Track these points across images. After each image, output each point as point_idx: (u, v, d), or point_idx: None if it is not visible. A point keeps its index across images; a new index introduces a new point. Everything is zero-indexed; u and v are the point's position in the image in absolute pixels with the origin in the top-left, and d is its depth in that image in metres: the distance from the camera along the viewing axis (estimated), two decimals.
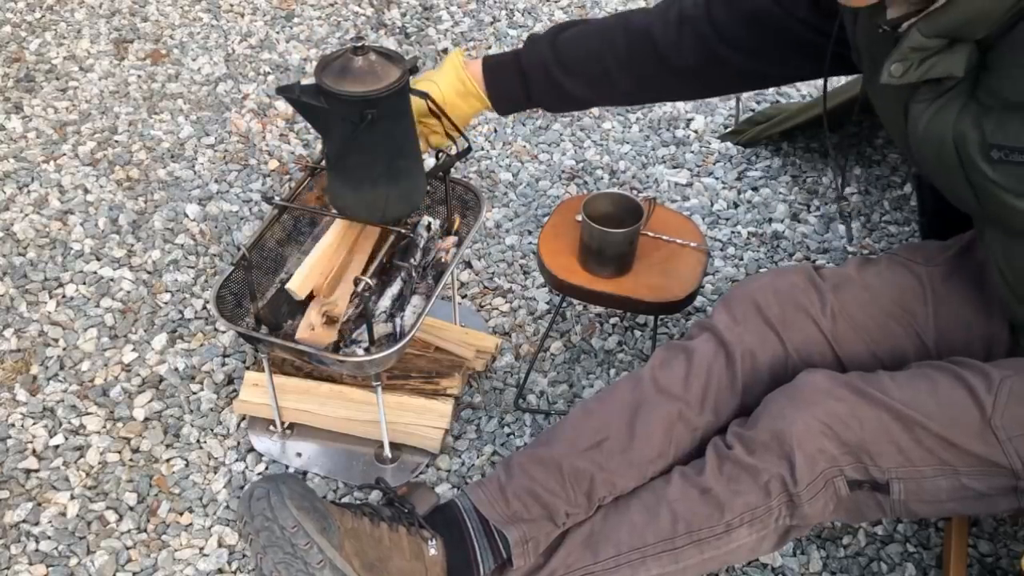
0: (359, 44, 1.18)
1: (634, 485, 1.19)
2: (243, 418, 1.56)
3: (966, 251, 1.24)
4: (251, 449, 1.52)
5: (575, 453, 1.18)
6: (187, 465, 1.50)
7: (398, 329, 1.34)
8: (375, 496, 1.43)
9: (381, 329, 1.35)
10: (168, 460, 1.51)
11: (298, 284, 1.32)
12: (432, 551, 1.17)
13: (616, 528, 1.15)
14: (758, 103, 2.29)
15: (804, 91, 2.34)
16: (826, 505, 1.08)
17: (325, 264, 1.35)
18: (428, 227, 1.45)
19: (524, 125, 2.21)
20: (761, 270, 1.85)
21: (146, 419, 1.57)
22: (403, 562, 1.14)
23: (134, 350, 1.68)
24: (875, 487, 1.07)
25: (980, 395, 1.04)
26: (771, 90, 2.33)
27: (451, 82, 1.36)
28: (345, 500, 1.44)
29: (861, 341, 1.21)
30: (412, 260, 1.40)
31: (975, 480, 1.04)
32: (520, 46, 1.39)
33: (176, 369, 1.65)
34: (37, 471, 1.49)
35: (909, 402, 1.05)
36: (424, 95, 1.35)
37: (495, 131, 2.20)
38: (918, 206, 1.45)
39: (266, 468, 1.50)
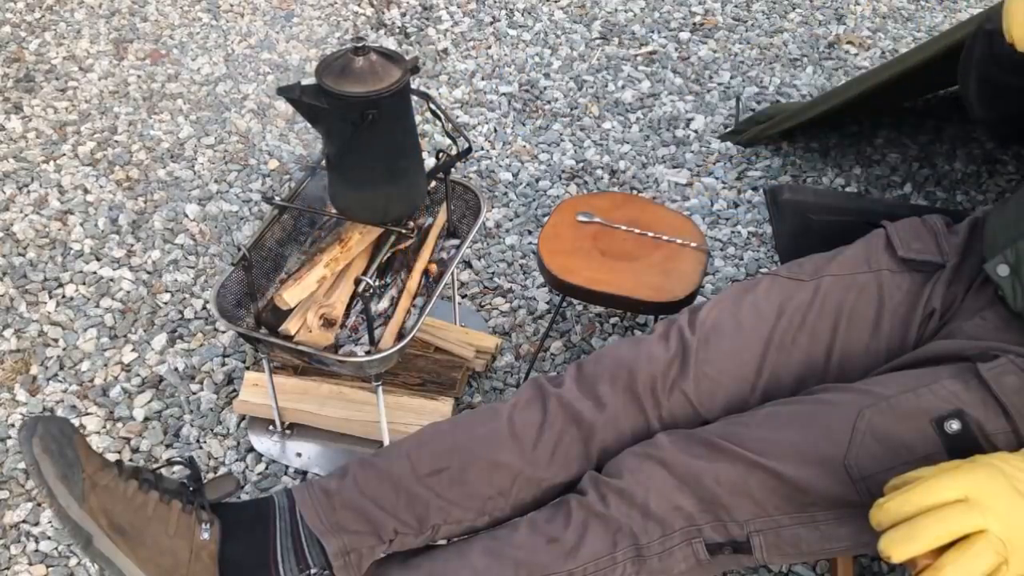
0: (360, 44, 1.18)
1: (473, 517, 1.14)
2: (243, 418, 1.56)
3: (855, 255, 1.20)
4: (251, 449, 1.52)
5: (413, 477, 1.13)
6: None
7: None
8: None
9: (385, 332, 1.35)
10: (168, 460, 1.51)
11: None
12: (205, 535, 1.11)
13: (456, 571, 1.09)
14: (758, 103, 2.29)
15: (804, 91, 2.34)
16: (678, 565, 1.03)
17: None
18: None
19: (524, 125, 2.21)
20: (762, 270, 1.85)
21: (146, 419, 1.57)
22: (163, 536, 1.08)
23: (134, 350, 1.68)
24: (736, 548, 1.02)
25: (838, 433, 0.99)
26: (771, 90, 2.34)
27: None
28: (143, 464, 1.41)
29: (732, 389, 1.14)
30: (403, 273, 1.40)
31: (832, 526, 1.00)
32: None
33: (176, 369, 1.65)
34: None
35: (765, 451, 1.01)
36: (424, 95, 1.35)
37: (495, 131, 2.20)
38: (774, 228, 1.40)
39: (266, 468, 1.50)
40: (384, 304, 1.39)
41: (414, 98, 1.29)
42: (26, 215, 1.95)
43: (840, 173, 2.08)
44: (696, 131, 2.20)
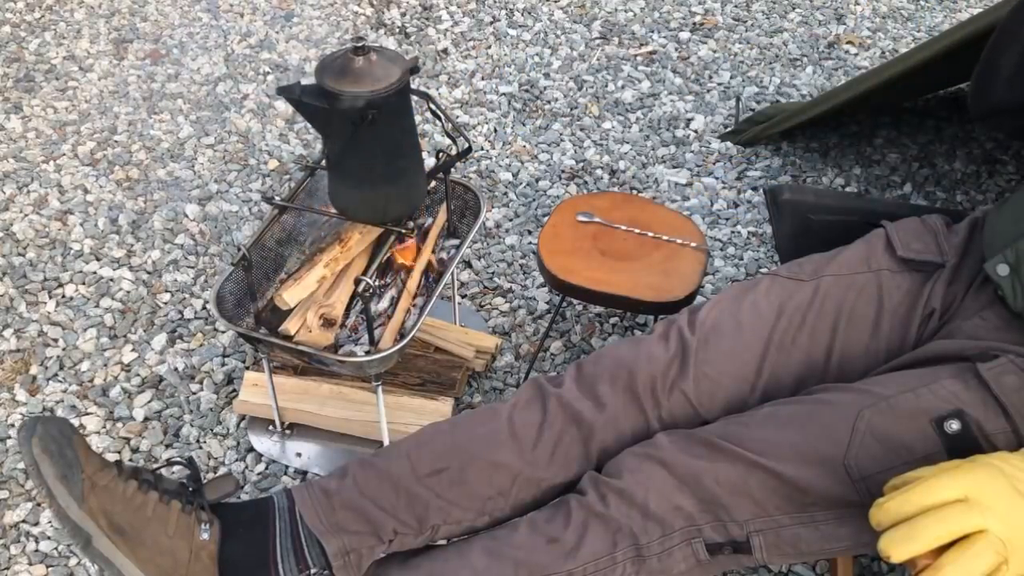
0: (360, 44, 1.18)
1: (473, 517, 1.14)
2: (243, 418, 1.56)
3: (854, 255, 1.20)
4: (251, 449, 1.52)
5: (413, 477, 1.13)
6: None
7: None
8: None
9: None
10: (168, 460, 1.51)
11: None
12: (204, 535, 1.11)
13: (456, 571, 1.08)
14: (758, 103, 2.29)
15: (804, 91, 2.34)
16: (678, 565, 1.03)
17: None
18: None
19: (524, 125, 2.21)
20: (762, 270, 1.85)
21: (146, 419, 1.57)
22: (163, 536, 1.08)
23: (134, 350, 1.68)
24: (736, 548, 1.02)
25: (837, 433, 0.99)
26: (771, 90, 2.34)
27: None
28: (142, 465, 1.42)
29: (732, 390, 1.14)
30: (402, 274, 1.40)
31: (832, 526, 1.00)
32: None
33: (176, 369, 1.65)
34: None
35: (764, 451, 1.01)
36: (424, 95, 1.35)
37: (495, 131, 2.20)
38: (774, 229, 1.40)
39: (266, 468, 1.50)
40: (384, 304, 1.39)
41: (414, 98, 1.29)
42: (26, 215, 1.95)
43: (840, 173, 2.08)
44: (696, 131, 2.20)
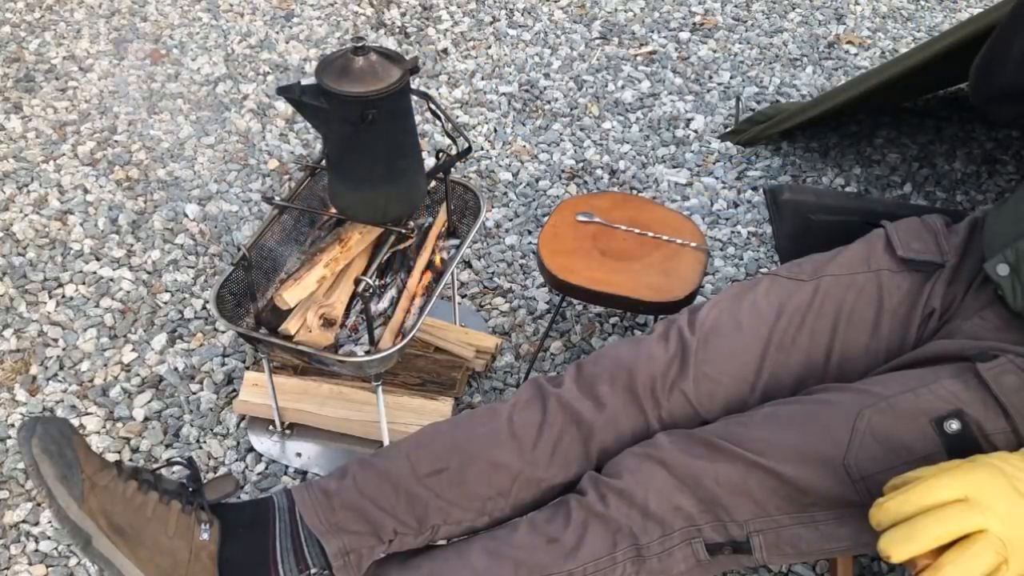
0: (359, 44, 1.18)
1: (472, 517, 1.13)
2: (243, 418, 1.56)
3: (854, 255, 1.20)
4: (251, 449, 1.52)
5: (413, 478, 1.13)
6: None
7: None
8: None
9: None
10: (168, 460, 1.51)
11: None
12: (204, 536, 1.11)
13: (456, 571, 1.09)
14: (758, 103, 2.29)
15: (804, 91, 2.34)
16: (678, 565, 1.03)
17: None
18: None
19: (524, 125, 2.21)
20: (762, 270, 1.85)
21: (146, 419, 1.57)
22: (163, 536, 1.08)
23: (134, 350, 1.68)
24: (736, 548, 1.02)
25: (837, 433, 0.99)
26: (771, 90, 2.34)
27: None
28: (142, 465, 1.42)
29: (731, 390, 1.14)
30: (402, 274, 1.40)
31: (831, 526, 1.00)
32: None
33: (176, 369, 1.65)
34: None
35: (764, 451, 1.01)
36: (424, 95, 1.35)
37: (495, 131, 2.20)
38: (774, 229, 1.42)
39: (266, 468, 1.50)
40: (384, 304, 1.39)
41: (414, 98, 1.29)
42: (26, 215, 1.95)
43: (840, 173, 2.09)
44: (696, 131, 2.20)
